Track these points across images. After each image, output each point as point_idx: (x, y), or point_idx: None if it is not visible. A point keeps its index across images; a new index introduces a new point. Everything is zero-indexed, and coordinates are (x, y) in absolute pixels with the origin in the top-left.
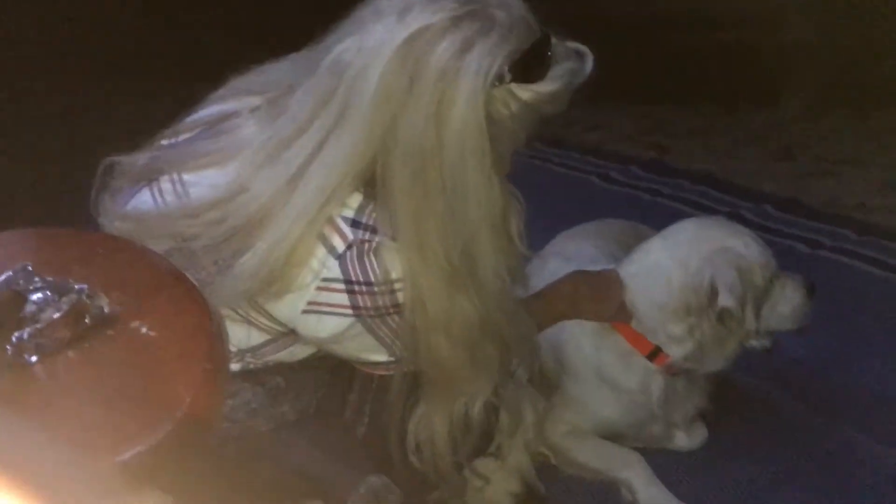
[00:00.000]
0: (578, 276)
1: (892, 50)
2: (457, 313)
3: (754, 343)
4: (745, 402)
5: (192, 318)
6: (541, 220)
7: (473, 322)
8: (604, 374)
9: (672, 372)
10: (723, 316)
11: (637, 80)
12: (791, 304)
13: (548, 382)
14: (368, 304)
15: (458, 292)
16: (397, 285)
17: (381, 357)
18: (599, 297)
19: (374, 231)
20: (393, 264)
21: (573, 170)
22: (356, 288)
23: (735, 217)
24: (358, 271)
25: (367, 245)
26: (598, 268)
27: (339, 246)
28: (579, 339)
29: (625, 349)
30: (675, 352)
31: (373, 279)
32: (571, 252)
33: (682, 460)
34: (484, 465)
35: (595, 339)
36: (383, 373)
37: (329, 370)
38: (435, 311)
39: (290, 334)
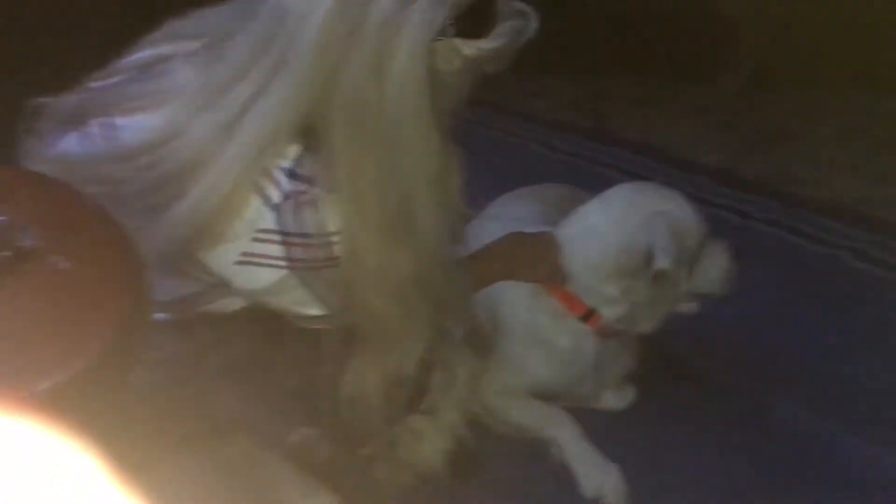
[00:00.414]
0: (515, 238)
1: (826, 27)
2: (392, 268)
3: (683, 307)
4: (674, 365)
5: (115, 257)
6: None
7: (409, 278)
8: (538, 335)
9: (605, 333)
10: (658, 278)
11: (580, 49)
12: (718, 268)
13: (482, 342)
14: (304, 256)
15: (394, 247)
16: (333, 238)
17: (316, 311)
18: (535, 259)
19: (311, 183)
20: (330, 217)
21: (514, 136)
22: (292, 240)
23: (671, 187)
24: (294, 223)
25: (303, 197)
26: (534, 230)
27: (275, 196)
28: (514, 300)
29: (559, 311)
30: (609, 313)
31: (309, 231)
32: (509, 215)
33: (611, 420)
34: (416, 422)
35: (530, 301)
36: (317, 326)
37: (260, 322)
38: (370, 265)
39: (222, 286)
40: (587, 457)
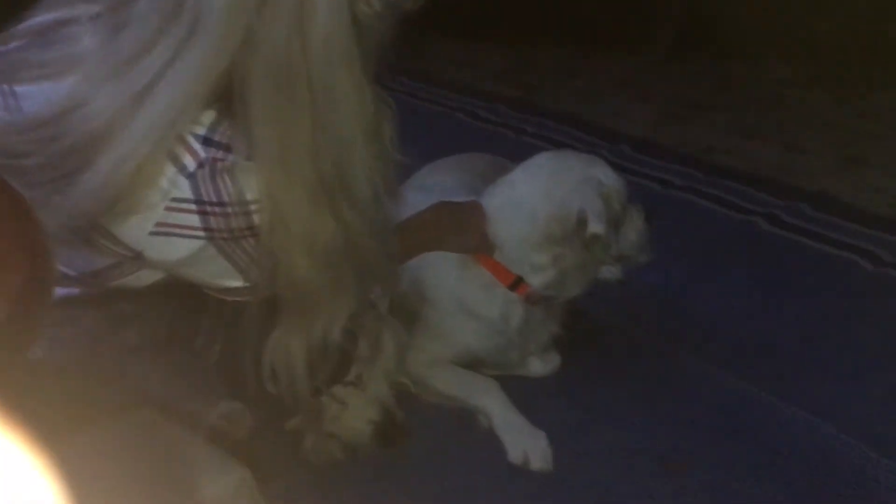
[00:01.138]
0: (442, 208)
1: (744, 0)
2: (321, 232)
3: (608, 275)
4: (598, 331)
5: (12, 231)
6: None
7: (337, 241)
8: (465, 305)
9: (532, 300)
10: (591, 242)
11: (506, 19)
12: (636, 230)
13: (408, 313)
14: (222, 225)
15: (324, 209)
16: (253, 206)
17: (236, 282)
18: (463, 229)
19: (227, 149)
20: (248, 184)
21: (440, 105)
22: (208, 209)
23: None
24: (210, 191)
25: (219, 164)
26: (461, 200)
27: (190, 164)
28: (441, 270)
29: (487, 280)
30: (537, 281)
31: (226, 199)
32: (434, 184)
33: (537, 387)
34: (343, 393)
35: (457, 271)
36: (238, 299)
37: (178, 296)
38: (298, 230)
39: (137, 258)
40: (513, 424)
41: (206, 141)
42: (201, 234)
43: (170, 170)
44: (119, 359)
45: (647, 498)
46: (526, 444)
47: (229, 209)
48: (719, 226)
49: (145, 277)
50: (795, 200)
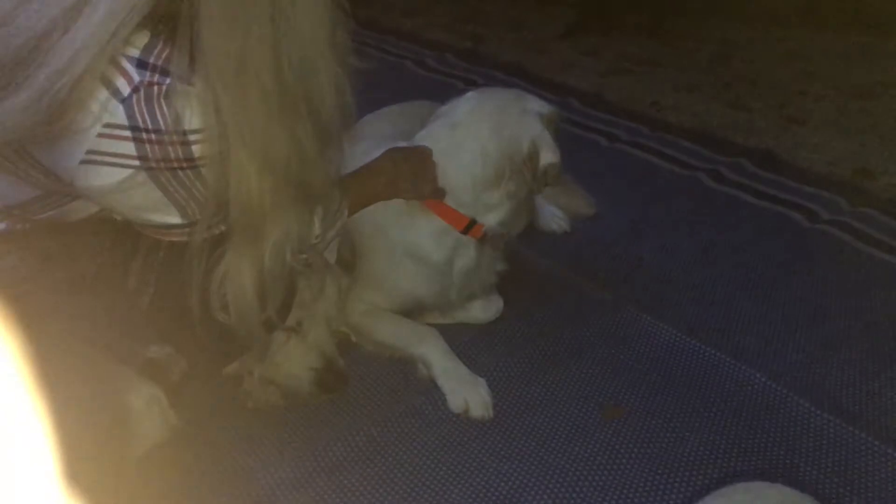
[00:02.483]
0: (396, 155)
1: None
2: (279, 148)
3: (555, 227)
4: (542, 282)
5: None
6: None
7: (293, 159)
8: (414, 252)
9: (487, 240)
10: (544, 172)
11: None
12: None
13: (347, 262)
14: (158, 154)
15: (285, 123)
16: (193, 136)
17: (173, 218)
18: (418, 176)
19: (164, 73)
20: (188, 112)
21: (388, 54)
22: (144, 136)
23: None
24: (146, 116)
25: (156, 88)
26: (409, 146)
27: (124, 88)
28: (383, 220)
29: (439, 227)
30: (492, 219)
31: (162, 126)
32: (375, 133)
33: (478, 336)
34: (283, 339)
35: (404, 220)
36: (175, 239)
37: (109, 235)
38: (255, 146)
39: (65, 190)
40: (453, 372)
41: (141, 63)
42: (136, 162)
43: (102, 93)
44: (45, 299)
45: (584, 443)
46: (466, 393)
47: (166, 137)
48: (663, 180)
49: (76, 211)
50: (737, 157)
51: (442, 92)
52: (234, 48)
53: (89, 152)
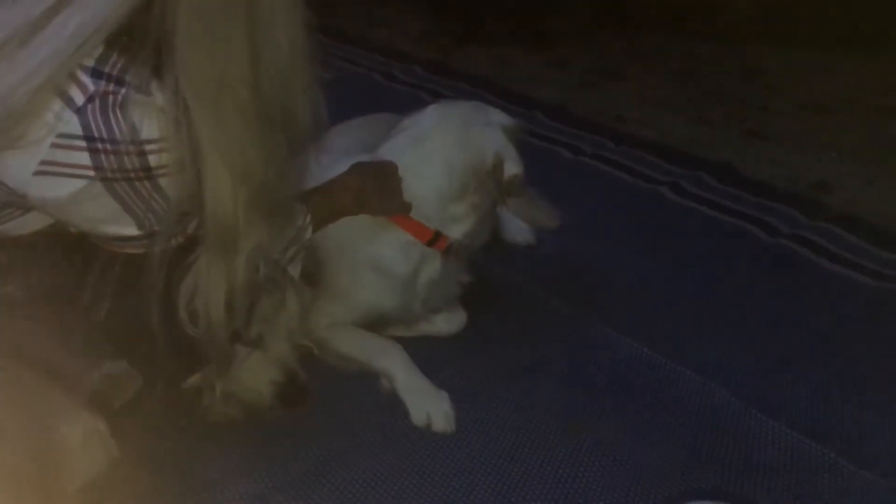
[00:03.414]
0: (362, 170)
1: None
2: (254, 162)
3: (519, 239)
4: (504, 294)
5: None
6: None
7: (269, 172)
8: (379, 266)
9: (449, 252)
10: (508, 184)
11: None
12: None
13: (308, 277)
14: (113, 164)
15: (261, 137)
16: (149, 147)
17: (130, 230)
18: (385, 191)
19: (119, 82)
20: (143, 122)
21: (356, 65)
22: (99, 146)
23: None
24: (101, 126)
25: (111, 98)
26: (373, 160)
27: (79, 98)
28: (347, 234)
29: (404, 241)
30: (457, 231)
31: (118, 136)
32: (339, 147)
33: (441, 349)
34: (245, 354)
35: (368, 233)
36: (132, 251)
37: (62, 248)
38: (232, 160)
39: (19, 202)
40: (416, 386)
41: (96, 73)
42: (90, 173)
43: (56, 104)
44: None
45: (546, 457)
46: (429, 407)
47: (122, 147)
48: (626, 193)
49: (30, 223)
50: (699, 171)
51: (409, 104)
52: (213, 63)
53: (43, 163)
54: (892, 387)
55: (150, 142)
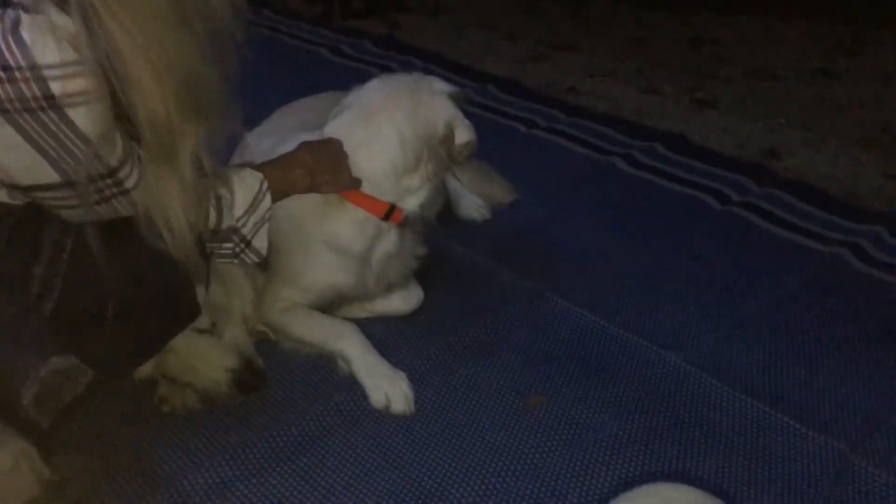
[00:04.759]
0: (311, 147)
1: None
2: (174, 51)
3: (475, 214)
4: (461, 271)
5: None
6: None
7: (190, 59)
8: (333, 244)
9: (407, 224)
10: (462, 150)
11: None
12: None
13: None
14: (11, 94)
15: (180, 30)
16: (49, 72)
17: (49, 176)
18: (335, 168)
19: (5, 4)
20: (39, 44)
21: (303, 41)
22: None
23: None
24: None
25: (1, 23)
26: (317, 139)
27: None
28: (298, 213)
29: (358, 216)
30: (413, 203)
31: (11, 62)
32: (284, 127)
33: (398, 329)
34: (200, 341)
35: (321, 212)
36: (65, 208)
37: (3, 237)
38: (151, 55)
39: None
40: (373, 368)
41: None
42: None
43: None
44: None
45: (506, 432)
46: (387, 388)
47: (17, 73)
48: (580, 165)
49: None
50: (650, 141)
51: (357, 80)
52: None
53: None
54: (842, 351)
55: (49, 66)
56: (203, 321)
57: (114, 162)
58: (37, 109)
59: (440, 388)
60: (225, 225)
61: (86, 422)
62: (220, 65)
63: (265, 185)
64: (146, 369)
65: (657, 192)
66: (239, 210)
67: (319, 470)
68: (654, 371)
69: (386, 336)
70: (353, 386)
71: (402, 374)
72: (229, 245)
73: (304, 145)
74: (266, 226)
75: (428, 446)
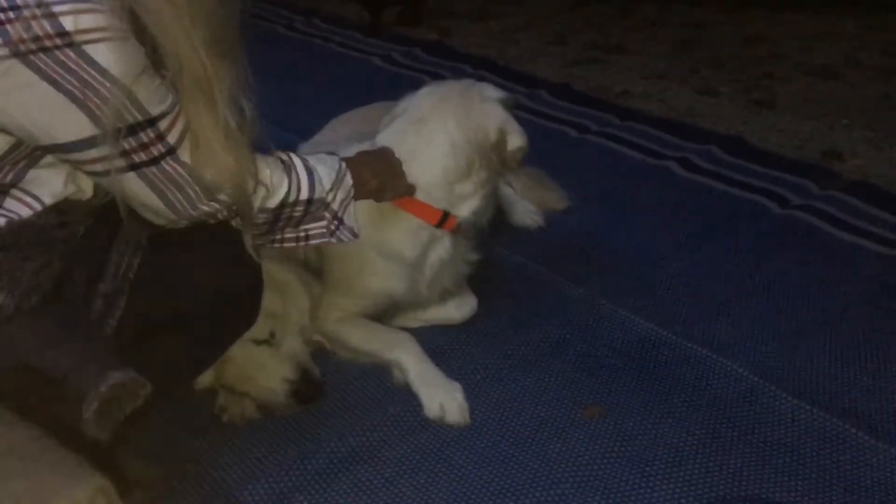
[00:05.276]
0: (371, 154)
1: None
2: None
3: (529, 222)
4: (516, 279)
5: None
6: (320, 100)
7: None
8: (387, 251)
9: (460, 231)
10: (513, 156)
11: None
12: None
13: (313, 270)
14: (22, 33)
15: None
16: (57, 7)
17: (82, 125)
18: (394, 174)
19: None
20: None
21: (354, 50)
22: (2, 16)
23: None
24: None
25: None
26: (370, 148)
27: None
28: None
29: (413, 224)
30: (466, 209)
31: (20, 2)
32: (338, 138)
33: (453, 338)
34: (258, 352)
35: (376, 220)
36: (104, 168)
37: (59, 254)
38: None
39: None
40: (428, 377)
41: None
42: (5, 51)
43: None
44: None
45: (563, 443)
46: (442, 398)
47: (26, 12)
48: (634, 170)
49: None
50: (706, 144)
51: (410, 87)
52: None
53: None
54: None
55: (58, 2)
56: (261, 331)
57: (153, 111)
58: (52, 48)
59: (496, 399)
60: (317, 195)
61: (146, 431)
62: (232, 7)
63: (343, 165)
64: (206, 379)
65: (714, 195)
66: (327, 183)
67: (377, 481)
68: (714, 380)
69: (440, 345)
70: (408, 396)
71: (457, 385)
72: (323, 223)
73: (362, 154)
74: (353, 204)
75: (484, 458)
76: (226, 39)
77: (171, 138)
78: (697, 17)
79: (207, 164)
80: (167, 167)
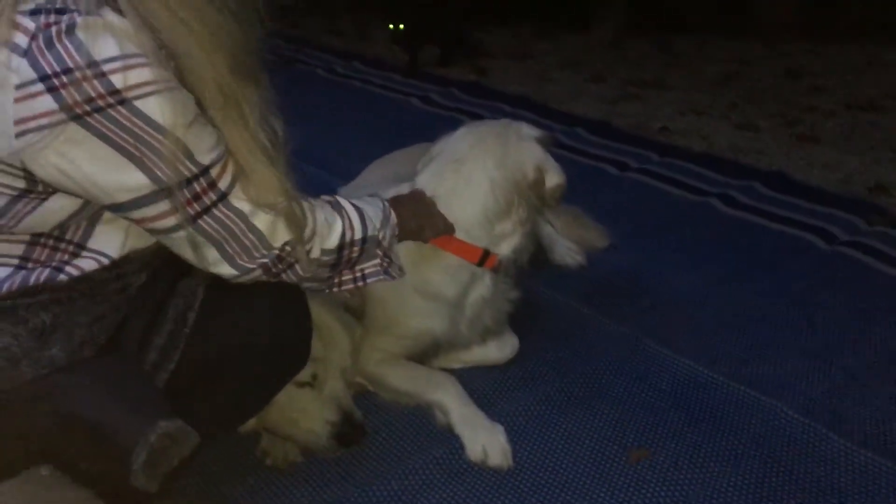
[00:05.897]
0: (405, 197)
1: None
2: (215, 22)
3: (570, 261)
4: (558, 318)
5: None
6: (360, 142)
7: (230, 27)
8: (427, 290)
9: (501, 269)
10: (552, 194)
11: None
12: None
13: (354, 311)
14: (76, 95)
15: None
16: (107, 66)
17: (137, 177)
18: (430, 214)
19: (60, 12)
20: (91, 43)
21: (393, 91)
22: (55, 82)
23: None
24: (51, 60)
25: (54, 29)
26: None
27: (23, 41)
28: None
29: (453, 263)
30: (506, 248)
31: (70, 64)
32: (376, 179)
33: (496, 378)
34: (301, 395)
35: (416, 260)
36: (161, 227)
37: (101, 298)
38: (202, 35)
39: (30, 184)
40: (471, 419)
41: (34, 12)
42: (62, 115)
43: (3, 54)
44: (43, 380)
45: (608, 487)
46: (484, 441)
47: (78, 74)
48: (676, 207)
49: (53, 212)
50: (749, 180)
51: (447, 127)
52: None
53: (17, 122)
54: None
55: (107, 61)
56: (304, 374)
57: (204, 160)
58: (105, 108)
59: (539, 442)
60: (370, 233)
61: (190, 472)
62: (253, 30)
63: (387, 203)
64: (250, 422)
65: (757, 232)
66: (376, 221)
67: None
68: (762, 422)
69: (483, 387)
70: (450, 438)
71: (500, 427)
72: (376, 261)
73: (396, 197)
74: (397, 244)
75: (528, 502)
76: (248, 63)
77: (223, 184)
78: (736, 51)
79: (248, 183)
80: (220, 214)
